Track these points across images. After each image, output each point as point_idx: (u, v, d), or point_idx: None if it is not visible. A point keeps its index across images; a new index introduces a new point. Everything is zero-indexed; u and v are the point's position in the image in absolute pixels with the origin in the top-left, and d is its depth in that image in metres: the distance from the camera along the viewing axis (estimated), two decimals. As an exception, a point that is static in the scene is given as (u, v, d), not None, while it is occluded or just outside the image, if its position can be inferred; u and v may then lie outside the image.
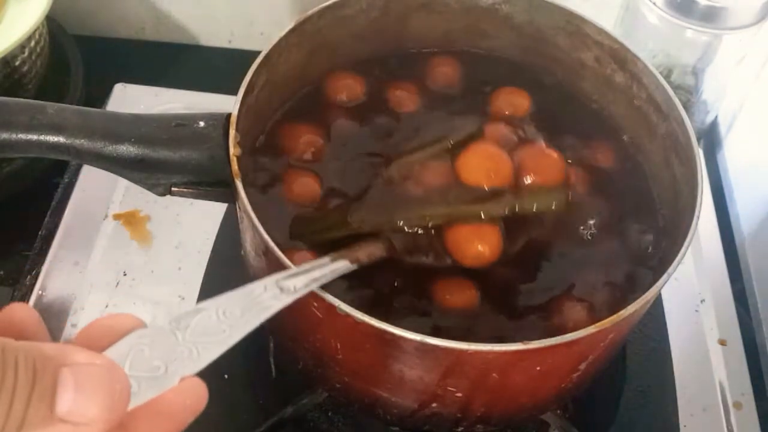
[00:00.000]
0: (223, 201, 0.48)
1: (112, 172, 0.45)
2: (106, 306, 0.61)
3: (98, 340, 0.29)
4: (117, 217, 0.66)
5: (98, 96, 0.76)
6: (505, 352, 0.39)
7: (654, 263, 0.48)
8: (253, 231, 0.42)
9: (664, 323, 0.63)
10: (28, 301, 0.61)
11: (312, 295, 0.39)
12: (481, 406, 0.46)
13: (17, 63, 0.68)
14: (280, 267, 0.40)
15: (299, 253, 0.45)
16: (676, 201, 0.49)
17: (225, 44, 0.87)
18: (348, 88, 0.55)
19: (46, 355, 0.25)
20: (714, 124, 0.80)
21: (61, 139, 0.43)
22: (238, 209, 0.46)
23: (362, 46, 0.56)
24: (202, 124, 0.45)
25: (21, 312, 0.29)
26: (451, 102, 0.55)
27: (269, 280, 0.36)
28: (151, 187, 0.46)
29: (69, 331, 0.60)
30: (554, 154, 0.48)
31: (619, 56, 0.53)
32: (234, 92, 0.46)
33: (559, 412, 0.53)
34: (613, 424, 0.57)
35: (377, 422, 0.53)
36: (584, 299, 0.46)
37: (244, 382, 0.57)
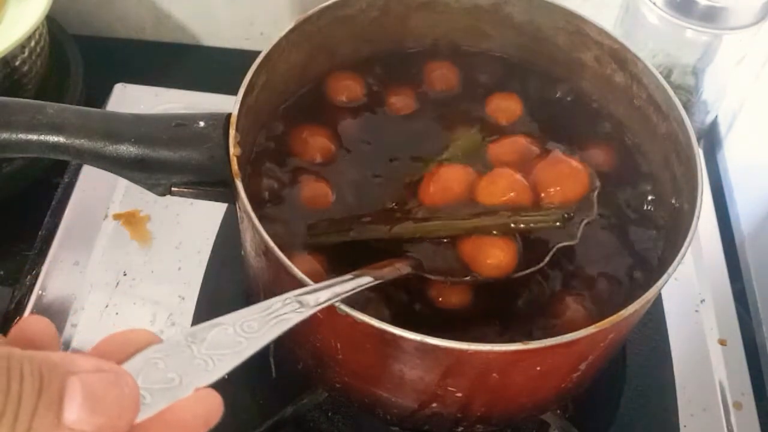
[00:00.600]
0: (223, 201, 0.48)
1: (112, 172, 0.45)
2: (106, 306, 0.61)
3: (112, 355, 0.28)
4: (117, 217, 0.66)
5: (98, 96, 0.75)
6: (505, 352, 0.39)
7: (654, 263, 0.48)
8: (253, 231, 0.42)
9: (664, 323, 0.63)
10: (27, 301, 0.61)
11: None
12: (481, 406, 0.46)
13: (17, 63, 0.68)
14: (280, 267, 0.40)
15: (299, 254, 0.45)
16: (676, 201, 0.49)
17: (225, 44, 0.87)
18: (348, 89, 0.55)
19: (52, 362, 0.25)
20: (714, 124, 0.80)
21: (61, 139, 0.43)
22: (238, 209, 0.46)
23: (362, 46, 0.56)
24: (202, 124, 0.45)
25: (36, 324, 0.29)
26: (451, 103, 0.55)
27: (289, 295, 0.35)
28: (151, 187, 0.46)
29: (69, 331, 0.60)
30: (579, 166, 0.48)
31: (619, 56, 0.53)
32: (234, 92, 0.46)
33: (559, 412, 0.53)
34: (613, 424, 0.57)
35: (377, 422, 0.53)
36: (584, 299, 0.46)
37: (244, 382, 0.57)
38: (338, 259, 0.46)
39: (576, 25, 0.54)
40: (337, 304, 0.38)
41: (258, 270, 0.46)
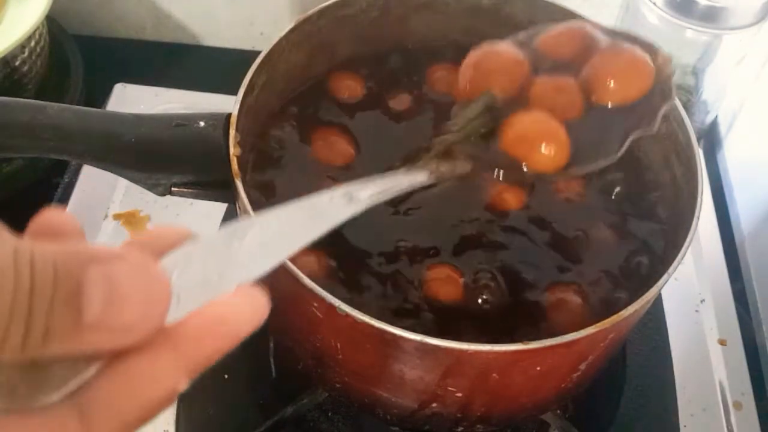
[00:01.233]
0: (223, 201, 0.48)
1: (112, 172, 0.45)
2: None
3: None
4: (117, 217, 0.66)
5: (98, 96, 0.75)
6: (505, 352, 0.39)
7: (654, 263, 0.48)
8: (253, 231, 0.42)
9: (664, 323, 0.63)
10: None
11: (312, 295, 0.39)
12: (481, 406, 0.46)
13: (17, 63, 0.68)
14: (280, 267, 0.40)
15: (300, 254, 0.45)
16: (676, 201, 0.49)
17: (225, 44, 0.87)
18: (348, 89, 0.55)
19: (68, 252, 0.21)
20: (714, 124, 0.80)
21: (61, 139, 0.43)
22: (238, 209, 0.46)
23: (362, 46, 0.56)
24: (202, 124, 0.45)
25: (57, 218, 0.24)
26: (451, 104, 0.55)
27: (337, 191, 0.32)
28: (151, 187, 0.46)
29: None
30: (640, 56, 0.42)
31: (619, 56, 0.52)
32: (234, 92, 0.46)
33: (559, 412, 0.53)
34: (613, 424, 0.57)
35: (377, 422, 0.53)
36: (583, 299, 0.46)
37: (244, 382, 0.57)
38: (339, 257, 0.46)
39: (576, 25, 0.54)
40: (337, 304, 0.38)
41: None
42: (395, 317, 0.44)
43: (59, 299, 0.20)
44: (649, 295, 0.41)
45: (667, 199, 0.51)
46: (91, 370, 0.22)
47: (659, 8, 0.68)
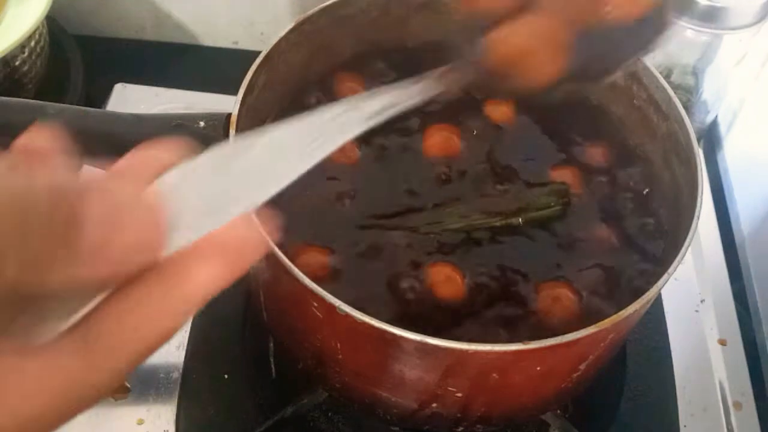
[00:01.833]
0: (223, 201, 0.48)
1: (112, 172, 0.45)
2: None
3: (139, 173, 0.23)
4: (117, 217, 0.66)
5: (98, 96, 0.75)
6: (505, 352, 0.39)
7: (654, 263, 0.48)
8: (253, 231, 0.42)
9: (664, 323, 0.63)
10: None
11: (312, 295, 0.39)
12: (481, 406, 0.46)
13: (17, 63, 0.68)
14: (280, 267, 0.40)
15: (300, 254, 0.45)
16: (676, 201, 0.49)
17: (225, 44, 0.87)
18: (349, 89, 0.55)
19: (60, 179, 0.20)
20: (714, 124, 0.80)
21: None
22: (238, 209, 0.46)
23: (362, 46, 0.56)
24: (202, 124, 0.45)
25: (41, 135, 0.24)
26: (451, 105, 0.55)
27: (341, 106, 0.30)
28: (151, 187, 0.46)
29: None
30: None
31: (619, 56, 0.52)
32: (234, 92, 0.46)
33: (559, 412, 0.53)
34: (613, 424, 0.57)
35: (377, 422, 0.53)
36: (583, 298, 0.46)
37: (244, 382, 0.57)
38: (340, 257, 0.46)
39: (576, 25, 0.54)
40: (337, 304, 0.38)
41: (258, 270, 0.46)
42: (395, 317, 0.44)
43: (57, 224, 0.19)
44: (649, 295, 0.41)
45: (667, 199, 0.51)
46: (90, 303, 0.21)
47: (659, 8, 0.68)
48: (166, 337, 0.22)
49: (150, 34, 0.87)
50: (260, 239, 0.24)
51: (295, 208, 0.48)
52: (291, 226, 0.47)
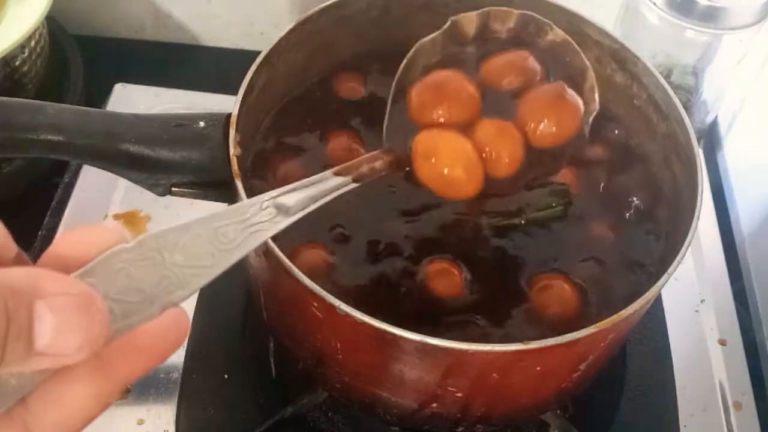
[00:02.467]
0: (223, 201, 0.48)
1: (112, 172, 0.45)
2: (106, 306, 0.61)
3: (73, 256, 0.26)
4: (117, 217, 0.66)
5: (98, 96, 0.75)
6: (505, 352, 0.39)
7: (654, 263, 0.48)
8: (253, 231, 0.42)
9: (664, 323, 0.63)
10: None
11: (312, 295, 0.39)
12: (481, 406, 0.46)
13: (17, 63, 0.68)
14: (280, 267, 0.40)
15: (300, 254, 0.45)
16: (676, 201, 0.49)
17: (225, 44, 0.87)
18: (349, 90, 0.55)
19: (17, 290, 0.23)
20: (714, 124, 0.80)
21: (61, 139, 0.43)
22: (238, 209, 0.46)
23: (362, 46, 0.56)
24: (202, 124, 0.45)
25: None
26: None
27: (265, 197, 0.33)
28: (151, 187, 0.46)
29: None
30: (574, 100, 0.45)
31: (619, 56, 0.53)
32: (234, 92, 0.46)
33: (559, 412, 0.53)
34: (613, 424, 0.57)
35: (377, 422, 0.53)
36: (582, 298, 0.46)
37: (244, 382, 0.57)
38: (340, 257, 0.46)
39: (576, 25, 0.54)
40: (337, 304, 0.38)
41: (258, 270, 0.46)
42: (395, 317, 0.44)
43: (12, 334, 0.23)
44: (649, 295, 0.41)
45: (667, 199, 0.51)
46: (31, 385, 0.25)
47: (659, 8, 0.68)
48: (96, 415, 0.26)
49: (150, 34, 0.87)
50: (177, 338, 0.27)
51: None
52: (291, 226, 0.47)
